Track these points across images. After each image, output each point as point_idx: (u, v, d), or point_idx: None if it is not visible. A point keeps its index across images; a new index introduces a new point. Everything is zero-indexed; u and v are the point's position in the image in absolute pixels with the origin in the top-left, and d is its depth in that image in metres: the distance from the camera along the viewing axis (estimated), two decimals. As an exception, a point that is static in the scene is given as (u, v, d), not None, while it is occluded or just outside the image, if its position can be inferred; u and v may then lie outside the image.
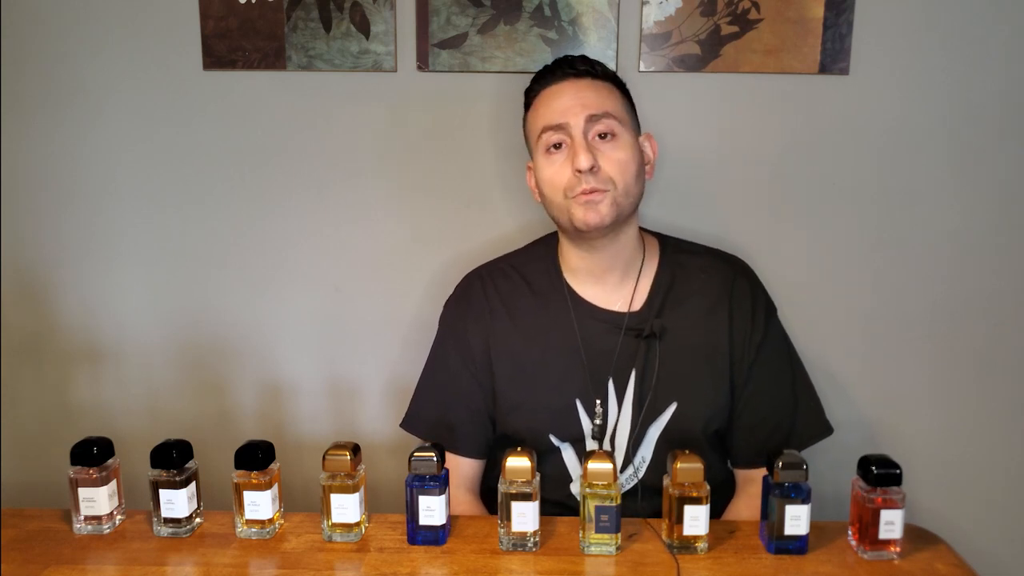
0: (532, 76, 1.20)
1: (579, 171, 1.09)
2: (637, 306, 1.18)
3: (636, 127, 1.18)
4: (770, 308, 1.22)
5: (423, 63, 1.38)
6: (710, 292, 1.19)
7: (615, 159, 1.11)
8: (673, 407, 1.16)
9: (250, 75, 1.41)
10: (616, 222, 1.12)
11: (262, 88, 1.41)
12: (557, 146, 1.13)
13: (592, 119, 1.11)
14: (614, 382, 1.17)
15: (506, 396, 1.20)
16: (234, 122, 1.43)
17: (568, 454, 1.19)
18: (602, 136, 1.11)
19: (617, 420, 1.17)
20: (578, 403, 1.17)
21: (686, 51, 1.35)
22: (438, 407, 1.25)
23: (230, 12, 1.37)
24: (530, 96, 1.19)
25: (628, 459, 1.17)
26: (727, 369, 1.17)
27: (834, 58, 1.34)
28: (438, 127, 1.41)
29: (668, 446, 1.14)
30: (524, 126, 1.21)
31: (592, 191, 1.09)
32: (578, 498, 1.17)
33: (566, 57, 1.18)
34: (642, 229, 1.25)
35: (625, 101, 1.17)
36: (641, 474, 1.17)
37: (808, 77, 1.36)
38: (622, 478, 1.17)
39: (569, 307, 1.19)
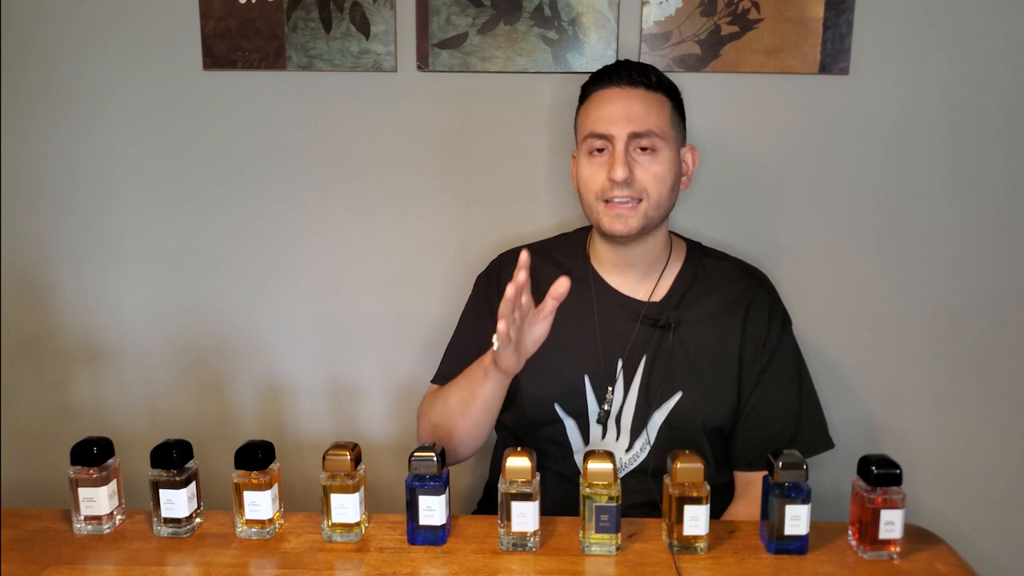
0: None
1: (612, 180, 1.14)
2: (658, 298, 1.23)
3: (681, 138, 1.22)
4: (786, 321, 1.25)
5: (423, 63, 1.38)
6: (728, 296, 1.22)
7: (652, 172, 1.15)
8: (678, 396, 1.19)
9: (250, 75, 1.41)
10: (644, 231, 1.17)
11: (262, 88, 1.41)
12: (600, 150, 1.17)
13: (635, 136, 1.14)
14: (624, 366, 1.20)
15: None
16: (234, 122, 1.43)
17: (571, 427, 1.22)
18: (643, 148, 1.15)
19: (623, 402, 1.20)
20: (586, 379, 1.21)
21: (686, 51, 1.35)
22: (459, 367, 1.29)
23: (230, 12, 1.37)
24: (585, 91, 1.22)
25: (632, 441, 1.20)
26: (735, 369, 1.20)
27: (834, 58, 1.34)
28: (438, 127, 1.41)
29: (669, 433, 1.19)
30: (575, 116, 1.24)
31: (623, 203, 1.14)
32: (579, 467, 1.18)
33: (626, 62, 1.20)
34: (673, 233, 1.29)
35: (674, 113, 1.20)
36: (640, 460, 1.20)
37: (808, 77, 1.36)
38: (626, 458, 1.20)
39: (592, 288, 1.24)
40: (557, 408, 1.22)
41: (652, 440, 1.19)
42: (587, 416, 1.21)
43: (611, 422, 1.20)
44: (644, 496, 1.14)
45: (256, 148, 1.43)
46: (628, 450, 1.20)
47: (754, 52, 1.34)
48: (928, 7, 1.33)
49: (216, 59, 1.40)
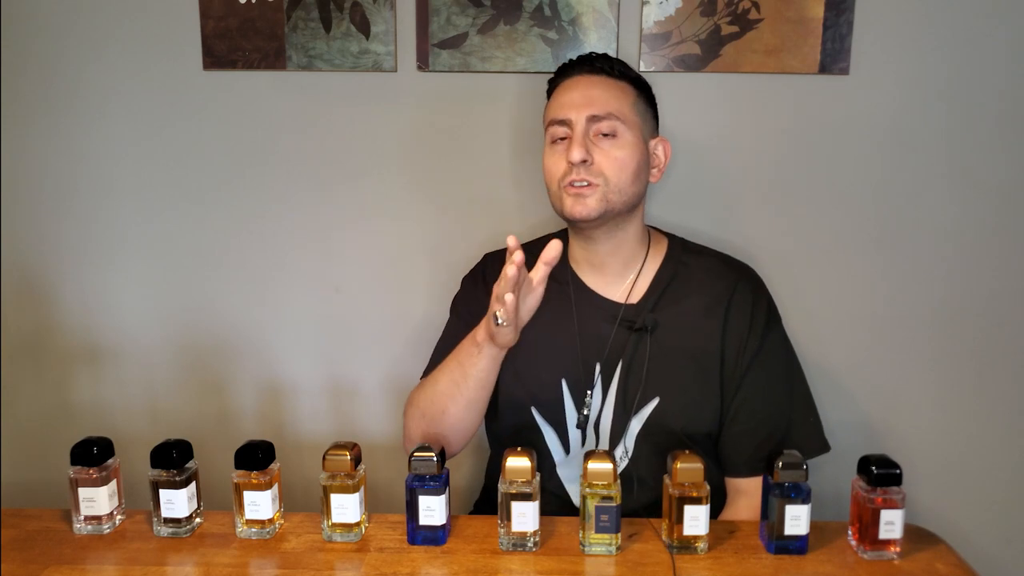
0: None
1: (571, 162, 1.12)
2: (635, 299, 1.20)
3: (650, 129, 1.20)
4: (772, 318, 1.20)
5: (423, 63, 1.38)
6: (709, 294, 1.18)
7: (612, 156, 1.13)
8: (655, 402, 1.16)
9: (250, 75, 1.41)
10: (605, 216, 1.14)
11: (262, 88, 1.41)
12: (562, 139, 1.16)
13: (594, 119, 1.13)
14: (602, 371, 1.18)
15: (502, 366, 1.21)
16: (234, 122, 1.43)
17: (551, 437, 1.20)
18: (604, 134, 1.13)
19: (601, 408, 1.18)
20: (564, 383, 1.18)
21: (686, 51, 1.35)
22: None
23: (230, 12, 1.37)
24: (550, 87, 1.23)
25: (611, 449, 1.18)
26: (716, 372, 1.16)
27: (834, 58, 1.34)
28: (438, 127, 1.41)
29: (648, 440, 1.16)
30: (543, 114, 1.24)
31: (581, 185, 1.12)
32: (563, 481, 1.18)
33: (589, 54, 1.20)
34: (653, 228, 1.27)
35: (640, 103, 1.18)
36: (623, 466, 1.17)
37: (808, 77, 1.36)
38: None
39: (571, 290, 1.21)
40: (534, 413, 1.19)
41: (630, 449, 1.16)
42: (565, 424, 1.18)
43: (590, 429, 1.18)
44: (625, 508, 1.06)
45: (256, 148, 1.43)
46: None
47: (754, 52, 1.35)
48: (928, 7, 1.33)
49: (216, 59, 1.40)
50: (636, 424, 1.17)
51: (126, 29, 1.40)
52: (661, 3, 1.34)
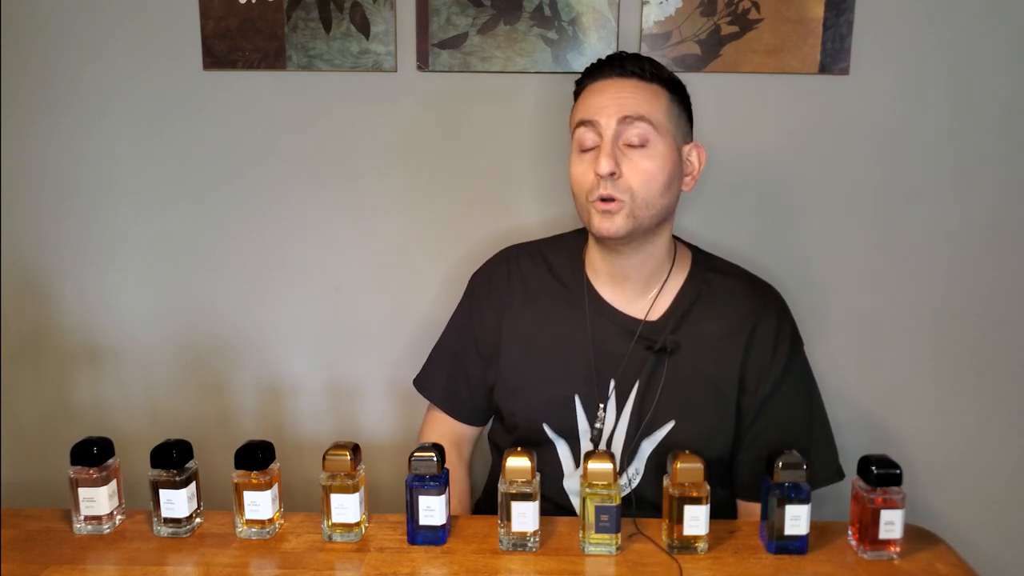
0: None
1: (598, 175, 1.07)
2: (655, 316, 1.16)
3: (683, 135, 1.14)
4: (795, 346, 1.17)
5: (423, 63, 1.38)
6: (732, 318, 1.15)
7: (640, 168, 1.08)
8: (671, 425, 1.14)
9: (250, 75, 1.41)
10: (634, 233, 1.09)
11: (262, 88, 1.41)
12: (590, 148, 1.10)
13: (625, 121, 1.07)
14: (616, 388, 1.15)
15: (509, 377, 1.20)
16: (234, 122, 1.43)
17: (562, 449, 1.18)
18: (633, 144, 1.08)
19: (614, 428, 1.16)
20: (577, 399, 1.16)
21: (686, 51, 1.35)
22: (445, 372, 1.29)
23: (230, 12, 1.37)
24: (577, 88, 1.17)
25: (622, 469, 1.16)
26: (733, 398, 1.14)
27: (834, 58, 1.34)
28: (438, 127, 1.41)
29: (660, 462, 1.14)
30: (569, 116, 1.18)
31: (608, 200, 1.07)
32: (569, 493, 1.17)
33: (619, 53, 1.14)
34: (677, 239, 1.22)
35: (674, 107, 1.12)
36: (635, 484, 1.16)
37: (808, 77, 1.36)
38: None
39: (585, 302, 1.18)
40: (546, 429, 1.17)
41: (642, 470, 1.15)
42: (578, 437, 1.16)
43: (602, 445, 1.15)
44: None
45: (256, 148, 1.43)
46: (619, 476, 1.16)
47: (754, 52, 1.34)
48: (928, 7, 1.33)
49: (216, 59, 1.40)
50: (648, 446, 1.15)
51: (126, 29, 1.40)
52: (661, 3, 1.34)
